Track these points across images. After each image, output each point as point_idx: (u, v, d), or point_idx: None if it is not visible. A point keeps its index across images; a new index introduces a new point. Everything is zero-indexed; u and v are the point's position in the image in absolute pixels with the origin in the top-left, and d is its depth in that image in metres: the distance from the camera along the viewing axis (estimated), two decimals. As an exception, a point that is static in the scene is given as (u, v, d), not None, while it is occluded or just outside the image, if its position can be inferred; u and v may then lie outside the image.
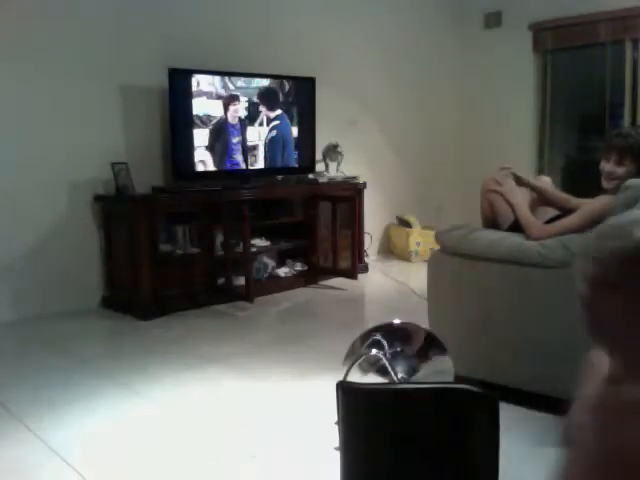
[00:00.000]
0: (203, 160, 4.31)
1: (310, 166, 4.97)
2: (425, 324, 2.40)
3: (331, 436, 2.09)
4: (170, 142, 4.19)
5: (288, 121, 4.75)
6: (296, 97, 4.76)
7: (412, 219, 5.79)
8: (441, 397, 1.50)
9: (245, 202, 4.21)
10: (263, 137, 4.63)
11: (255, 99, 4.54)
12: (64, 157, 4.00)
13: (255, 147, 4.59)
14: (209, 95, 4.28)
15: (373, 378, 2.03)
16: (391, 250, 5.90)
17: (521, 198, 2.71)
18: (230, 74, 4.39)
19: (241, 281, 4.29)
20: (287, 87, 4.71)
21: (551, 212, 2.78)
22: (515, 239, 2.51)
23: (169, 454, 2.19)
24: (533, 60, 5.88)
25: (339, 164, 5.18)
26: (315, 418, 2.43)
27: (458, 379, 2.08)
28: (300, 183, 4.91)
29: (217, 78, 4.31)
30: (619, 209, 2.27)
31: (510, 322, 2.48)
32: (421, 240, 5.63)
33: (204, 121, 4.28)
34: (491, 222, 2.86)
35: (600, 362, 0.70)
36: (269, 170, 4.74)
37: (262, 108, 4.59)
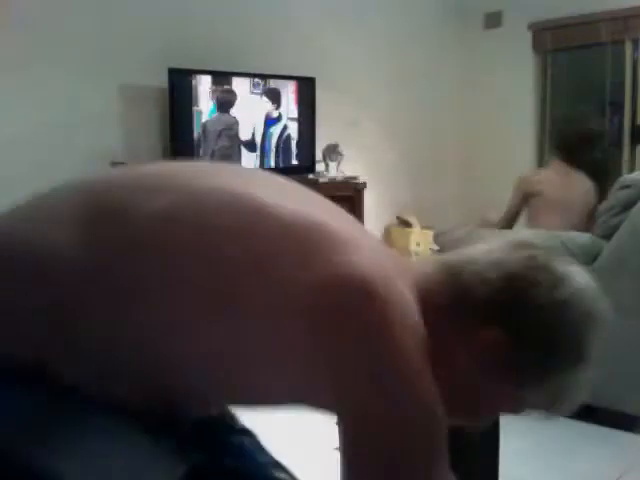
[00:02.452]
0: (203, 160, 4.31)
1: (310, 166, 4.97)
2: (425, 324, 2.40)
3: (331, 436, 2.09)
4: (170, 142, 4.19)
5: (288, 121, 4.75)
6: (296, 97, 4.76)
7: (412, 219, 5.79)
8: (441, 397, 1.50)
9: (245, 202, 4.21)
10: (263, 137, 4.63)
11: (255, 99, 4.54)
12: (63, 157, 3.99)
13: (255, 147, 4.59)
14: (209, 95, 4.28)
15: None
16: (391, 250, 5.89)
17: None
18: (230, 74, 4.39)
19: (241, 281, 4.27)
20: (287, 87, 4.71)
21: None
22: (515, 239, 2.51)
23: (169, 454, 2.19)
24: (533, 60, 5.88)
25: (339, 164, 5.18)
26: (315, 418, 2.42)
27: (458, 379, 2.07)
28: (300, 183, 4.89)
29: (217, 78, 4.31)
30: (618, 207, 2.27)
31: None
32: (421, 240, 5.62)
33: (204, 121, 4.27)
34: (513, 217, 2.97)
35: None
36: (269, 170, 4.72)
37: (262, 108, 4.59)
